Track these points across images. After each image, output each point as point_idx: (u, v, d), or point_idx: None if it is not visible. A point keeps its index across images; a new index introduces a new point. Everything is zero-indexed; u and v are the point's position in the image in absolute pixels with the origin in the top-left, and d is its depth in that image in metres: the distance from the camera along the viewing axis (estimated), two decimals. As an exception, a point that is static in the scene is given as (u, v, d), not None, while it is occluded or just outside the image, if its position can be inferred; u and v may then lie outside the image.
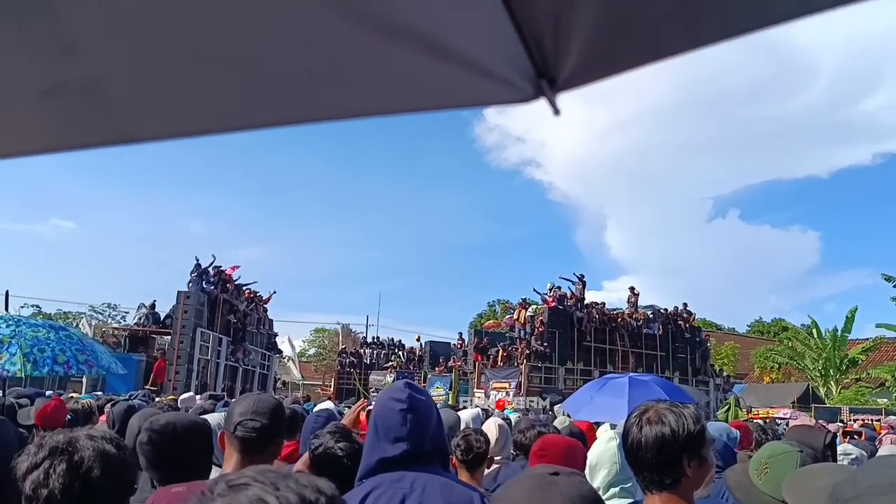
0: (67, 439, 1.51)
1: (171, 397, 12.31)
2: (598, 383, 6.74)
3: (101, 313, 49.78)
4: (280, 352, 32.21)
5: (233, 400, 3.36)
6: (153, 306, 23.28)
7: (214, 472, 3.50)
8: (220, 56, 1.00)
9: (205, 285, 22.43)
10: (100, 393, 12.73)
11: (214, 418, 3.91)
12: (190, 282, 22.19)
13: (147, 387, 17.62)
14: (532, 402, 21.00)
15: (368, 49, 0.97)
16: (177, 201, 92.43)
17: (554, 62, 1.02)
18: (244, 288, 25.70)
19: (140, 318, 23.25)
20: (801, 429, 3.70)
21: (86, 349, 4.70)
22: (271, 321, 29.42)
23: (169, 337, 22.02)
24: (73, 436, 1.53)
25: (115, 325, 26.84)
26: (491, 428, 3.94)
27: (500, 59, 1.03)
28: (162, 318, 22.76)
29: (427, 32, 0.95)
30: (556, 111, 1.06)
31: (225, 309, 23.48)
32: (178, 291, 21.52)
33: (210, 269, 22.99)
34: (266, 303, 28.05)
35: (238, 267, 24.71)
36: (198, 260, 22.77)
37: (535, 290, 26.51)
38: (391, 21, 0.93)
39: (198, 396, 10.21)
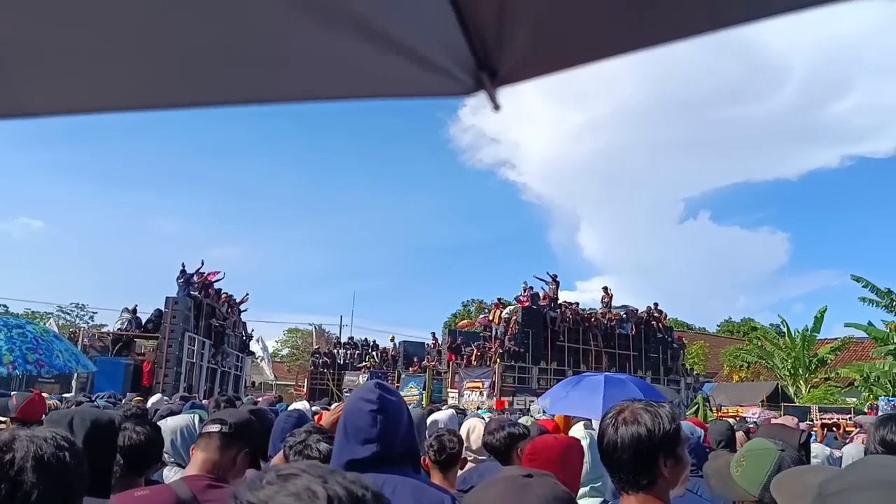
0: (9, 438, 1.43)
1: (138, 398, 12.11)
2: (574, 380, 6.77)
3: (69, 313, 49.15)
4: (252, 353, 32.49)
5: (205, 401, 3.42)
6: (135, 311, 23.77)
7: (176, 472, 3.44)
8: (133, 28, 0.92)
9: (191, 291, 23.04)
10: (69, 395, 12.51)
11: (179, 420, 3.85)
12: (178, 288, 22.74)
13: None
14: (519, 402, 21.00)
15: (299, 29, 0.92)
16: (148, 200, 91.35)
17: (496, 55, 0.99)
18: (223, 292, 26.22)
19: (123, 323, 23.63)
20: (775, 427, 3.72)
21: (39, 347, 4.55)
22: (244, 324, 29.87)
23: (151, 341, 22.74)
24: (17, 434, 1.44)
25: (102, 330, 27.46)
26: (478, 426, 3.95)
27: (440, 50, 0.99)
28: (143, 323, 23.34)
29: (365, 17, 0.91)
30: (496, 106, 1.01)
31: (207, 313, 24.07)
32: (167, 297, 22.18)
33: (195, 274, 23.47)
34: (240, 304, 28.41)
35: (219, 272, 25.13)
36: (184, 266, 23.08)
37: (535, 276, 26.78)
38: (327, 3, 0.88)
39: (166, 398, 10.05)
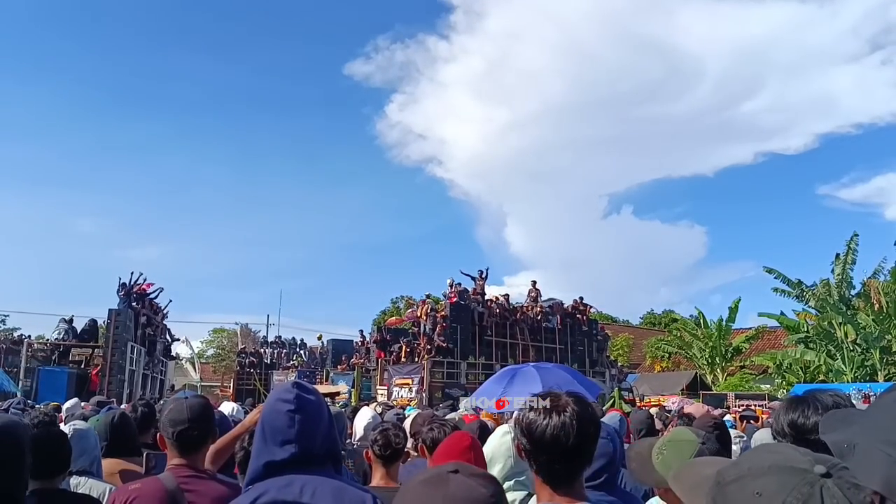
0: None
1: (55, 404, 11.59)
2: (504, 375, 6.82)
3: (-24, 316, 46.57)
4: (174, 357, 33.15)
5: (124, 406, 3.52)
6: (71, 321, 25.03)
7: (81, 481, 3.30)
8: None
9: (132, 303, 24.46)
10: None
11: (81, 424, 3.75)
12: (119, 300, 24.10)
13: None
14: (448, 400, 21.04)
15: None
16: (63, 200, 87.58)
17: None
18: (153, 300, 27.16)
19: (60, 333, 24.83)
20: (684, 419, 3.82)
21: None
22: (168, 329, 30.39)
23: (86, 349, 24.77)
24: None
25: (40, 340, 28.64)
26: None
27: None
28: (78, 332, 24.67)
29: None
30: None
31: (143, 323, 25.62)
32: (109, 309, 23.71)
33: (133, 286, 24.80)
34: (164, 310, 28.74)
35: (153, 284, 26.48)
36: (121, 280, 24.61)
37: (462, 272, 26.89)
38: None
39: (83, 403, 9.64)
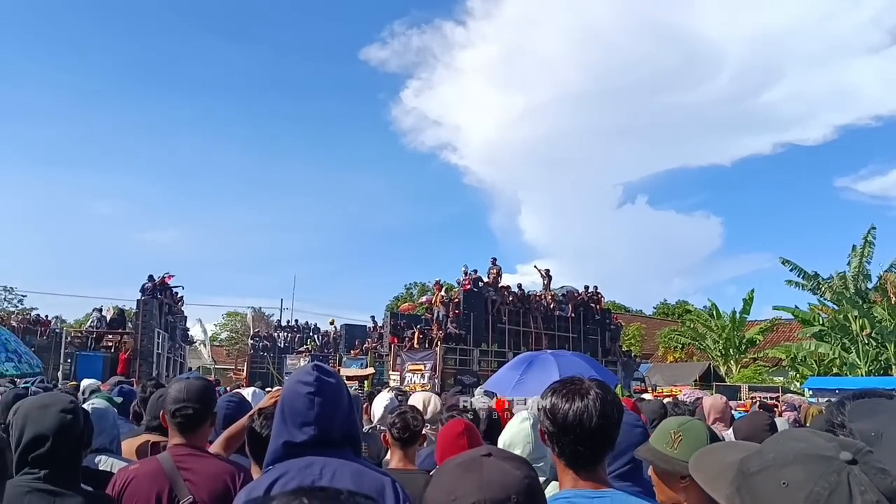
0: None
1: (73, 383, 11.78)
2: (521, 362, 6.81)
3: (-5, 296, 47.24)
4: (192, 342, 34.41)
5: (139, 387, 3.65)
6: (101, 310, 28.88)
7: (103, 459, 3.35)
8: None
9: (157, 294, 27.35)
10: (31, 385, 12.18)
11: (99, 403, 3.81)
12: (146, 292, 26.85)
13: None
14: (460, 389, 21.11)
15: None
16: (81, 181, 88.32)
17: None
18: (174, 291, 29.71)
19: (94, 322, 29.02)
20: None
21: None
22: (185, 315, 32.39)
23: (118, 335, 27.68)
24: None
25: (79, 328, 32.13)
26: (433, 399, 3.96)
27: None
28: (109, 320, 28.27)
29: None
30: None
31: (165, 311, 28.41)
32: (138, 300, 26.76)
33: (155, 279, 27.59)
34: (181, 297, 30.73)
35: (173, 276, 29.02)
36: (152, 276, 27.46)
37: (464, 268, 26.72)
38: None
39: (99, 383, 9.75)
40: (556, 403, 1.78)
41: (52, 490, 2.21)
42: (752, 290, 32.80)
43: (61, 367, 25.17)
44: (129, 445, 3.66)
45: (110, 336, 28.22)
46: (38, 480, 2.20)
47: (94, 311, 29.66)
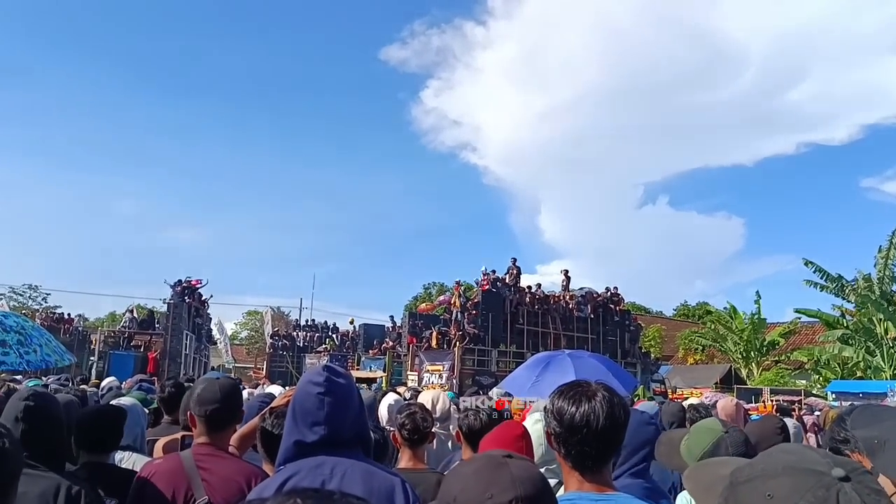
0: None
1: (95, 381, 11.97)
2: (538, 362, 6.77)
3: (21, 294, 47.96)
4: (215, 342, 35.19)
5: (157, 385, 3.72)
6: (132, 311, 31.81)
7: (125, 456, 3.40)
8: None
9: (187, 298, 29.10)
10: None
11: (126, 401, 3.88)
12: (176, 295, 28.76)
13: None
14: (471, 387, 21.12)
15: None
16: (105, 181, 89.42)
17: None
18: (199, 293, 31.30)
19: (126, 323, 31.47)
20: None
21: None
22: (210, 317, 33.75)
23: (147, 335, 29.63)
24: None
25: (112, 329, 33.62)
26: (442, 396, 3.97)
27: None
28: (139, 321, 30.90)
29: None
30: None
31: (193, 314, 29.93)
32: (168, 303, 28.77)
33: (183, 282, 29.31)
34: (208, 300, 32.07)
35: (201, 280, 30.72)
36: (179, 279, 29.24)
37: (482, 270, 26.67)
38: None
39: (117, 381, 9.89)
40: (562, 406, 1.80)
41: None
42: (757, 292, 32.39)
43: (94, 365, 26.53)
44: (162, 443, 3.71)
45: (140, 336, 29.96)
46: None
47: (126, 311, 32.46)
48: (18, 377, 10.37)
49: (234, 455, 2.86)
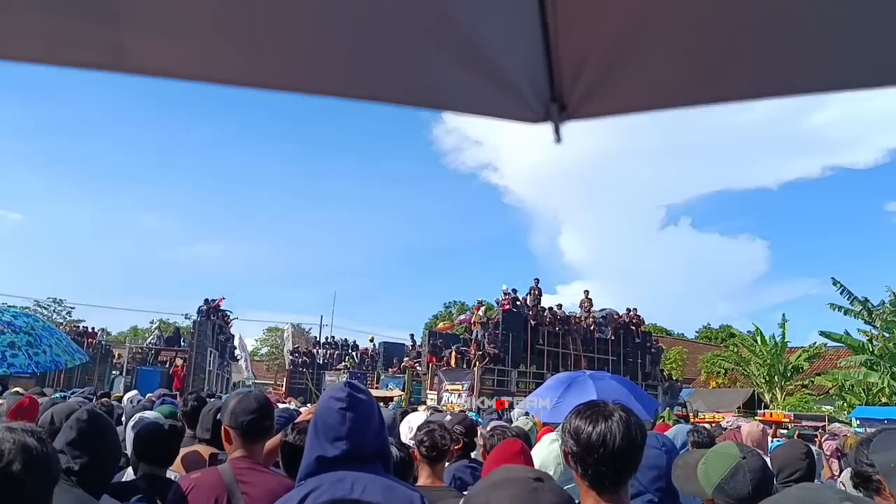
0: None
1: (117, 395, 12.13)
2: (560, 383, 6.76)
3: (46, 308, 48.51)
4: (237, 359, 35.54)
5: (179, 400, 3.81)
6: (159, 327, 33.43)
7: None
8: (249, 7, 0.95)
9: (212, 317, 30.54)
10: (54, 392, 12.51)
11: (150, 415, 3.96)
12: (201, 314, 30.37)
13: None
14: (481, 402, 21.03)
15: (400, 33, 0.94)
16: (129, 195, 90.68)
17: (569, 90, 1.02)
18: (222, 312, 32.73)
19: (153, 339, 32.55)
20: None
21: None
22: (233, 335, 34.87)
23: (172, 352, 30.80)
24: None
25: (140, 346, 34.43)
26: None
27: (522, 75, 1.01)
28: (165, 338, 32.25)
29: (460, 32, 0.92)
30: (559, 138, 1.05)
31: (216, 331, 31.39)
32: (193, 321, 30.88)
33: (209, 301, 30.88)
34: (231, 319, 33.69)
35: (224, 298, 32.27)
36: (207, 299, 30.98)
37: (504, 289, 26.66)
38: (432, 19, 0.90)
39: (139, 395, 10.01)
40: (579, 425, 1.82)
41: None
42: (784, 315, 32.03)
43: (122, 380, 28.04)
44: (180, 456, 3.76)
45: (166, 353, 31.15)
46: None
47: (153, 328, 34.42)
48: (47, 389, 10.52)
49: (271, 470, 2.86)
